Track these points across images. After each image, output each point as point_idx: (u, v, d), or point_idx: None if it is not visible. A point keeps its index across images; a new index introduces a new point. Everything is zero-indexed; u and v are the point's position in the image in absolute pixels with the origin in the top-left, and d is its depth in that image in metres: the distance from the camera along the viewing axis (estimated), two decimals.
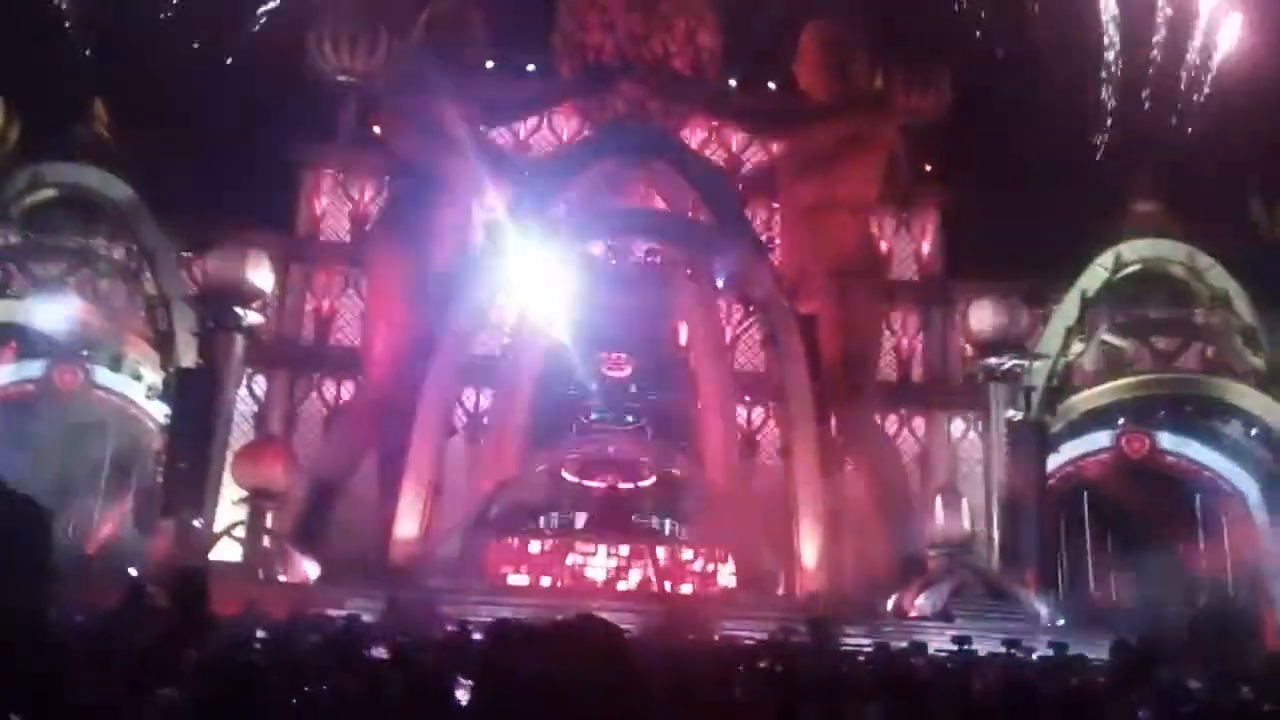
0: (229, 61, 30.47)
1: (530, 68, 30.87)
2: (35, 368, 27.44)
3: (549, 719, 3.85)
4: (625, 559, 25.46)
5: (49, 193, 28.29)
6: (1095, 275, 29.60)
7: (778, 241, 30.92)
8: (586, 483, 27.86)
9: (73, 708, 5.61)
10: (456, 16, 29.02)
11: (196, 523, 26.14)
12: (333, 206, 31.89)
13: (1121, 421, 29.25)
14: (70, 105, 29.06)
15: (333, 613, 19.24)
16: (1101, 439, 29.36)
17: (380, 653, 11.14)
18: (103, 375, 27.57)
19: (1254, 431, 28.63)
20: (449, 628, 16.07)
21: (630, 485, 27.69)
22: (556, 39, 30.46)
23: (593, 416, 28.38)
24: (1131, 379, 29.47)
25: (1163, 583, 24.82)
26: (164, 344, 27.65)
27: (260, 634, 13.27)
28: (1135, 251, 29.78)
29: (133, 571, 22.38)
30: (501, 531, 26.14)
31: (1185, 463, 28.65)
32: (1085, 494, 28.94)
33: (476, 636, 12.77)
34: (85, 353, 27.61)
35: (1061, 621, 24.98)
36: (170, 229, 28.61)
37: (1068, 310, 29.55)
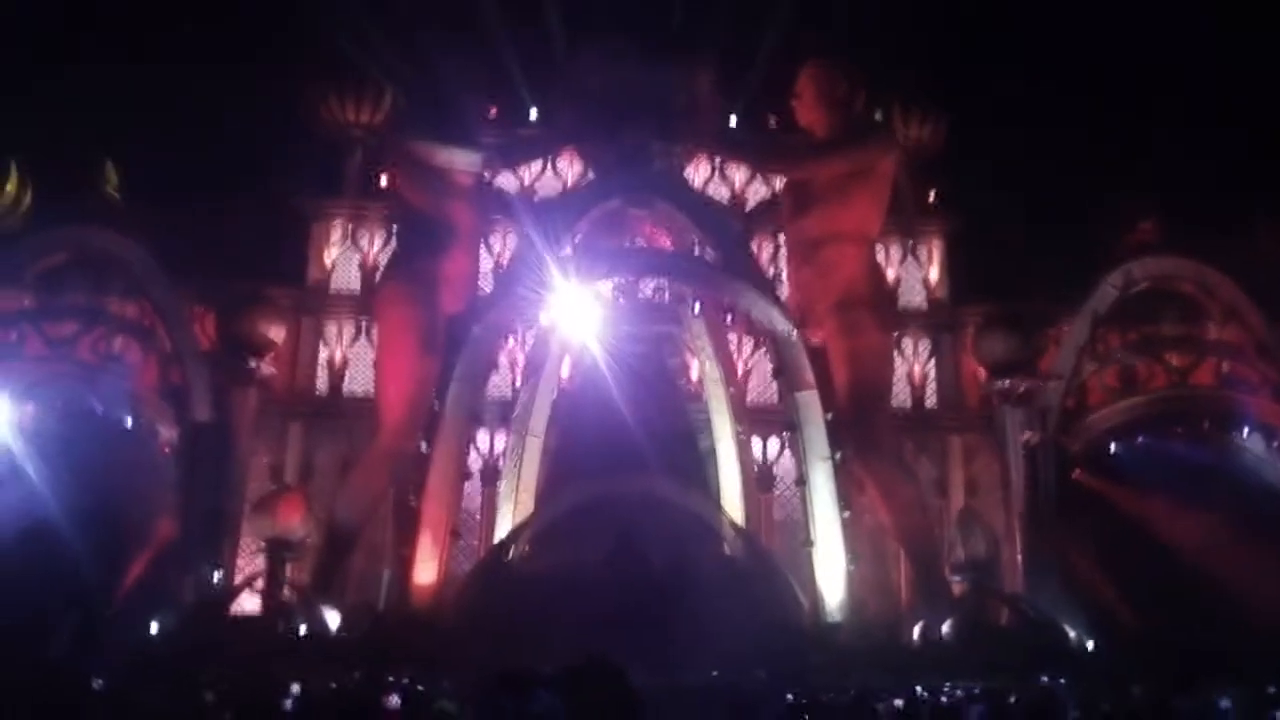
0: (234, 116, 30.89)
1: (533, 114, 31.15)
2: (53, 423, 27.40)
3: None
4: (640, 597, 25.18)
5: (61, 256, 28.58)
6: (1106, 295, 29.50)
7: (785, 275, 30.94)
8: (604, 522, 27.69)
9: None
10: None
11: (216, 575, 26.15)
12: (342, 257, 32.07)
13: (1140, 440, 28.93)
14: (81, 168, 29.36)
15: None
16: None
17: (394, 702, 11.11)
18: (123, 432, 27.55)
19: (1275, 444, 28.26)
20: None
21: (647, 523, 27.50)
22: (558, 85, 30.77)
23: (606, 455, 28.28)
24: (1147, 396, 29.20)
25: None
26: (178, 399, 27.77)
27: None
28: (1144, 269, 29.69)
29: (154, 626, 22.37)
30: (519, 574, 25.96)
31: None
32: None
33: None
34: (100, 410, 27.59)
35: (1091, 644, 24.66)
36: (182, 285, 28.82)
37: (1080, 330, 29.43)
